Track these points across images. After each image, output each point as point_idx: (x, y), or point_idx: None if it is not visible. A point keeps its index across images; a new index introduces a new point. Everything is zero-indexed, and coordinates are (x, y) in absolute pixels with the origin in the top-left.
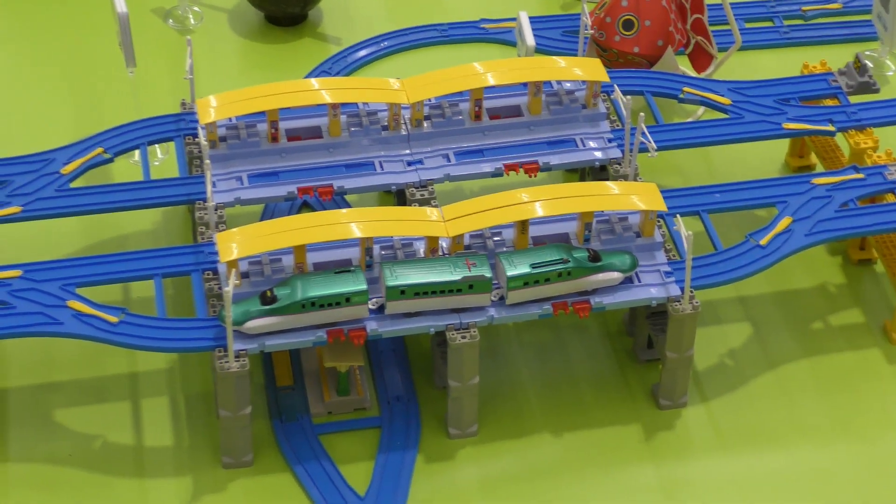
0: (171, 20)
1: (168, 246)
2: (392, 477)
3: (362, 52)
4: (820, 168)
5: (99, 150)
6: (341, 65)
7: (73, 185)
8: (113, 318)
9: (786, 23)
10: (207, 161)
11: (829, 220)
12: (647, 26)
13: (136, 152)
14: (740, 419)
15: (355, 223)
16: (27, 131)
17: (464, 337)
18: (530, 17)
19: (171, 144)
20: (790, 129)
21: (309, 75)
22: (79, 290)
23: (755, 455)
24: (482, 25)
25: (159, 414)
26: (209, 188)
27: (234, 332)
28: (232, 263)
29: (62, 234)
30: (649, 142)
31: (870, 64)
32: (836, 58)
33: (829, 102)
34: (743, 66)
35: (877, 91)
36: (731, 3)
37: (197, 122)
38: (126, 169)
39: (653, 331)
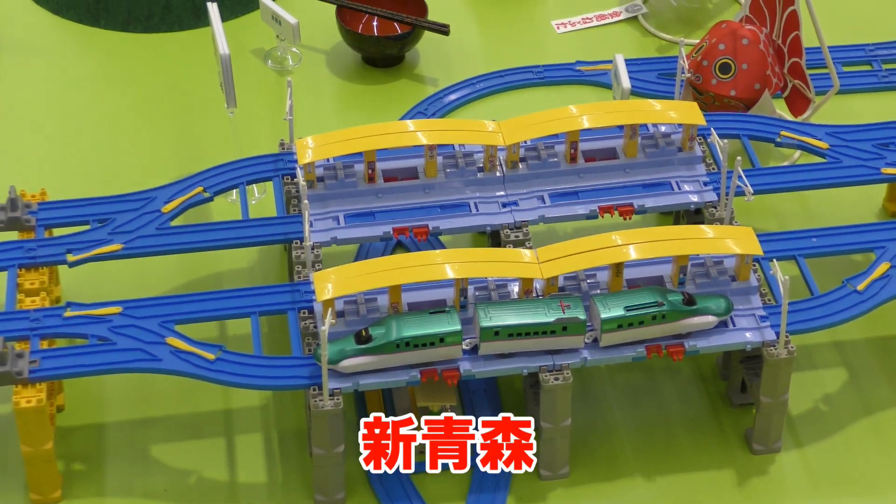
0: (270, 61)
1: (265, 285)
2: None
3: (458, 94)
4: None
5: (199, 189)
6: (437, 106)
7: (174, 223)
8: (210, 356)
9: (884, 67)
10: (305, 201)
11: None
12: (744, 70)
13: (235, 191)
14: (836, 466)
15: (450, 264)
16: (130, 170)
17: (557, 378)
18: (626, 60)
19: (270, 184)
20: (889, 174)
21: (405, 116)
22: (177, 328)
23: (850, 503)
24: (578, 68)
25: (253, 451)
26: (306, 228)
27: (329, 370)
28: (328, 303)
29: (161, 271)
30: (746, 185)
31: None
32: None
33: None
34: (841, 110)
35: None
36: (829, 47)
37: (295, 162)
38: (225, 208)
39: (747, 375)
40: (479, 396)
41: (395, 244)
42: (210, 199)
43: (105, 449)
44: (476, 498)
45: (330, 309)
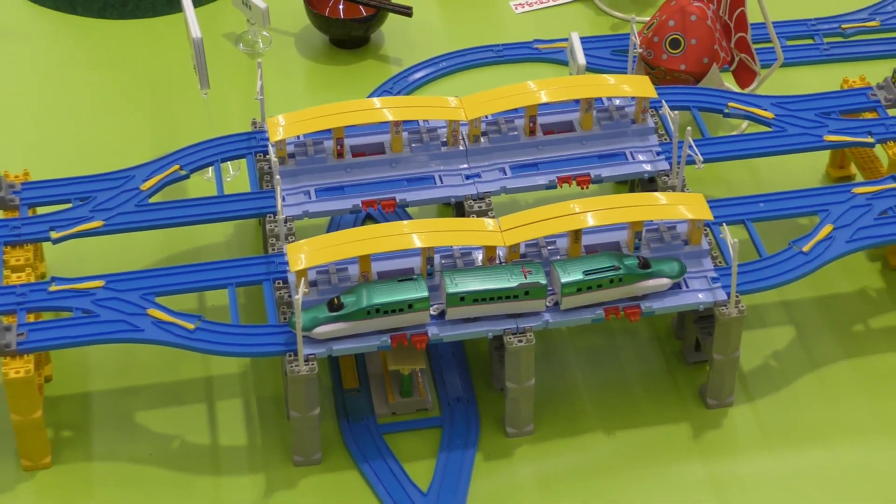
0: (241, 44)
1: (241, 257)
2: (453, 474)
3: (422, 73)
4: (860, 178)
5: (175, 167)
6: (402, 84)
7: (152, 200)
8: (190, 325)
9: (826, 40)
10: (277, 177)
11: (869, 228)
12: (693, 45)
13: (210, 169)
14: (785, 418)
15: (417, 234)
16: (109, 150)
17: (520, 341)
18: (581, 38)
19: (243, 161)
20: (831, 141)
21: (371, 95)
22: (158, 300)
23: (800, 453)
24: (536, 46)
25: (233, 416)
26: (279, 202)
27: (304, 337)
28: (301, 273)
29: (142, 246)
30: (696, 154)
31: None
32: (874, 73)
33: (868, 115)
34: (785, 81)
35: None
36: (773, 22)
37: (267, 140)
38: (201, 185)
39: (700, 334)
40: (447, 360)
41: (365, 216)
42: (186, 177)
43: (91, 417)
44: (446, 455)
45: (303, 279)
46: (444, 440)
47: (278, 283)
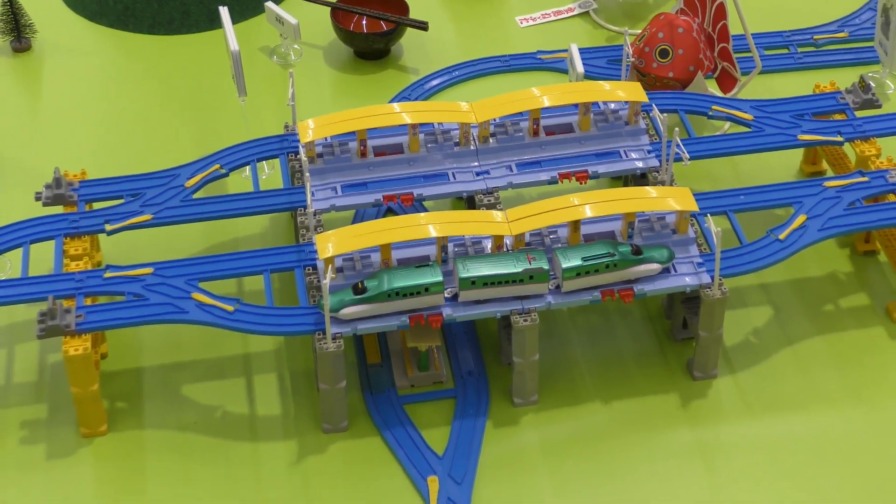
0: (275, 57)
1: (274, 246)
2: (466, 440)
3: (436, 81)
4: (830, 173)
5: (216, 166)
6: (419, 91)
7: (195, 196)
8: (229, 308)
9: (799, 50)
10: (307, 174)
11: (839, 217)
12: (680, 54)
13: (248, 168)
14: (764, 388)
15: (432, 225)
16: (157, 152)
17: (525, 320)
18: (580, 49)
19: (277, 161)
20: (804, 140)
21: (392, 101)
22: (201, 284)
23: (777, 419)
24: (539, 56)
25: (268, 388)
26: (309, 197)
27: (331, 318)
28: (329, 260)
29: (186, 237)
30: (683, 152)
31: (873, 84)
32: (843, 79)
33: (838, 117)
34: (763, 87)
35: (879, 107)
36: (752, 34)
37: (298, 141)
38: (239, 182)
39: (687, 314)
40: (460, 337)
41: (385, 209)
42: (226, 175)
43: (142, 389)
44: (459, 423)
45: (330, 265)
46: (458, 409)
47: (308, 270)
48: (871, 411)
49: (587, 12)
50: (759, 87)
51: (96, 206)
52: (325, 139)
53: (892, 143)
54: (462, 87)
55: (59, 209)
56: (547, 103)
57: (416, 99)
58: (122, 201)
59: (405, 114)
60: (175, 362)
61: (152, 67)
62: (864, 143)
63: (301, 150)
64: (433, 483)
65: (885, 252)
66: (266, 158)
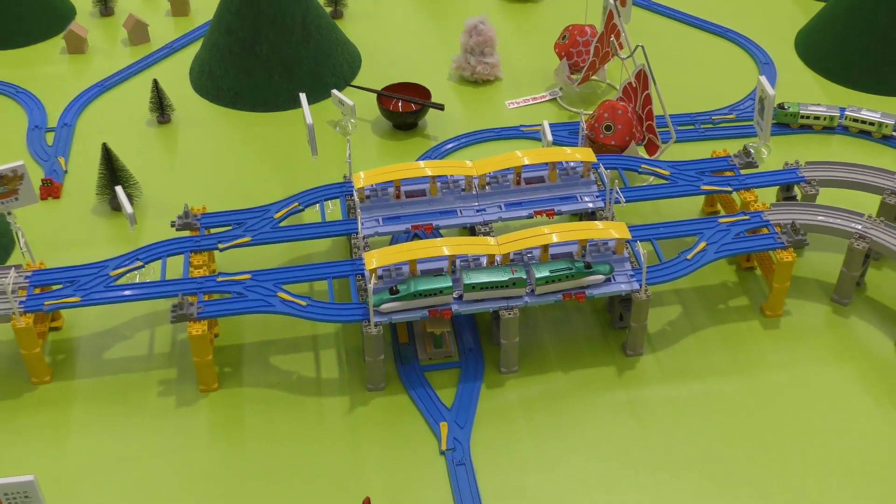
0: (337, 127)
1: (335, 260)
2: (467, 397)
3: (450, 145)
4: (723, 213)
5: (295, 204)
6: (437, 153)
7: (281, 224)
8: (303, 303)
9: (702, 126)
10: (358, 210)
11: (729, 244)
12: (619, 129)
13: (318, 205)
14: (676, 363)
15: (445, 246)
16: (255, 194)
17: (510, 314)
18: (550, 124)
19: (338, 201)
20: (705, 189)
21: (418, 159)
22: (284, 286)
23: (685, 384)
24: (522, 129)
25: (330, 359)
26: (360, 226)
27: (374, 311)
28: (373, 270)
29: (275, 253)
30: (620, 198)
31: (752, 150)
32: (732, 147)
33: (728, 174)
34: (677, 152)
35: (756, 167)
36: (669, 114)
37: (353, 187)
38: (312, 215)
39: (623, 310)
40: (464, 325)
41: (413, 235)
42: (302, 210)
43: (243, 359)
44: (463, 385)
45: (374, 274)
46: (462, 376)
47: (359, 277)
48: (750, 380)
49: (555, 98)
50: (673, 152)
51: (212, 231)
52: (372, 186)
53: (766, 193)
54: (467, 150)
55: (186, 233)
56: (526, 162)
57: (435, 158)
58: (230, 228)
59: (427, 168)
60: (265, 340)
61: (253, 134)
62: (746, 192)
63: (354, 194)
64: (444, 427)
65: (760, 268)
66: (330, 199)
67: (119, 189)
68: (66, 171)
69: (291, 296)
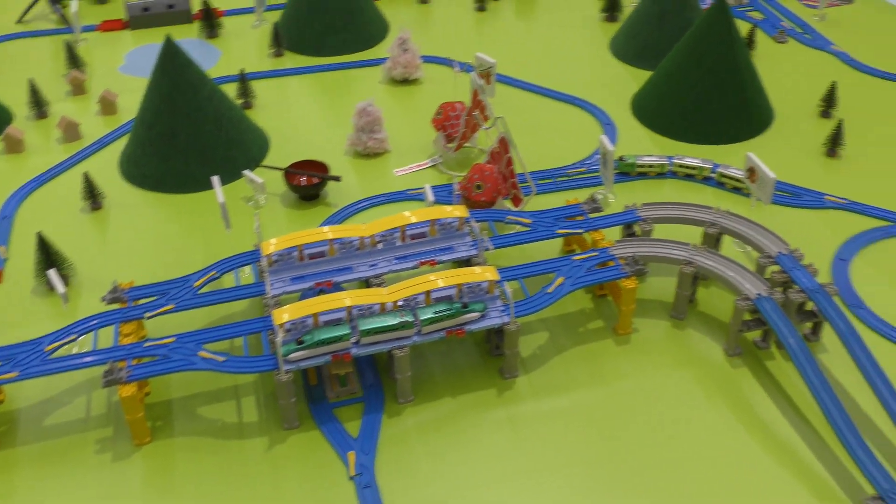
0: (251, 202)
1: (248, 319)
2: (370, 427)
3: (348, 211)
4: (578, 251)
5: (213, 272)
6: (337, 218)
7: (201, 291)
8: (221, 359)
9: (557, 179)
10: (266, 274)
11: (583, 277)
12: (488, 187)
13: (233, 272)
14: (545, 380)
15: (345, 298)
16: (177, 266)
17: (401, 352)
18: (432, 186)
19: (250, 266)
20: (561, 233)
21: (321, 225)
22: (205, 346)
23: (554, 398)
24: (408, 192)
25: (250, 405)
26: (268, 288)
27: (284, 360)
28: (281, 325)
29: (197, 317)
30: (490, 245)
31: (599, 198)
32: (582, 196)
33: (580, 218)
34: (537, 203)
35: (601, 211)
36: (529, 172)
37: (261, 253)
38: (228, 280)
39: (498, 340)
40: (365, 365)
41: (318, 291)
42: (219, 277)
43: (173, 412)
44: (367, 416)
45: (282, 328)
46: (365, 409)
47: (270, 332)
48: (607, 389)
49: (436, 165)
50: (535, 203)
51: (140, 302)
52: (280, 251)
53: (612, 232)
54: (364, 213)
55: (116, 305)
56: (413, 220)
57: (336, 222)
58: (155, 298)
59: (328, 231)
60: (192, 393)
61: (175, 214)
62: (595, 232)
63: (263, 260)
64: (351, 455)
65: (611, 295)
66: (244, 265)
67: (51, 272)
68: (6, 259)
69: (211, 353)
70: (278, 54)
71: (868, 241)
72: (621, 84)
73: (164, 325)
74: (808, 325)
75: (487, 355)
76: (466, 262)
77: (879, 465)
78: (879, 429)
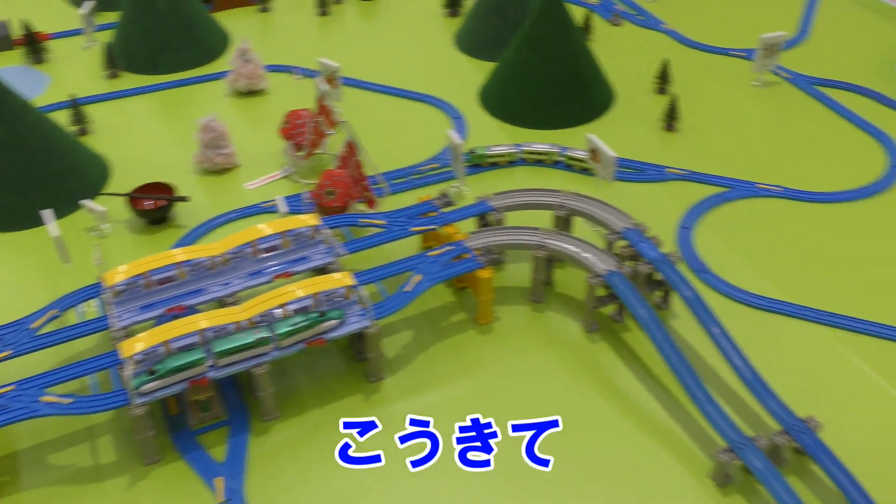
0: (94, 233)
1: (97, 355)
2: (237, 449)
3: (199, 231)
4: (434, 245)
5: (53, 311)
6: (189, 239)
7: (40, 332)
8: (67, 401)
9: (413, 177)
10: (111, 305)
11: (439, 271)
12: (340, 192)
13: (78, 306)
14: (411, 379)
15: (199, 321)
16: (15, 307)
17: (261, 369)
18: (285, 197)
19: (95, 300)
20: (415, 230)
21: (171, 248)
22: (47, 390)
23: (421, 395)
24: (261, 205)
25: (107, 444)
26: (111, 321)
27: (136, 393)
28: (129, 358)
29: (38, 360)
30: (344, 251)
31: (451, 192)
32: (433, 191)
33: (433, 214)
34: (392, 202)
35: (453, 204)
36: (382, 172)
37: (103, 285)
38: (71, 318)
39: (360, 344)
40: (227, 386)
41: (172, 317)
42: (60, 315)
43: (19, 465)
44: (233, 439)
45: (132, 360)
46: (231, 431)
47: (119, 367)
48: (473, 379)
49: (289, 174)
50: (390, 203)
51: None
52: (126, 280)
53: (465, 225)
54: (217, 232)
55: None
56: (266, 233)
57: (188, 244)
58: None
59: (176, 254)
60: (40, 442)
61: (10, 254)
62: (448, 227)
63: (106, 292)
64: (219, 482)
65: (471, 287)
66: (87, 300)
67: None
68: None
69: (57, 396)
70: (113, 76)
71: (708, 208)
72: (468, 77)
73: (2, 373)
74: (659, 293)
75: (352, 361)
76: (322, 271)
77: (728, 419)
78: (728, 385)
